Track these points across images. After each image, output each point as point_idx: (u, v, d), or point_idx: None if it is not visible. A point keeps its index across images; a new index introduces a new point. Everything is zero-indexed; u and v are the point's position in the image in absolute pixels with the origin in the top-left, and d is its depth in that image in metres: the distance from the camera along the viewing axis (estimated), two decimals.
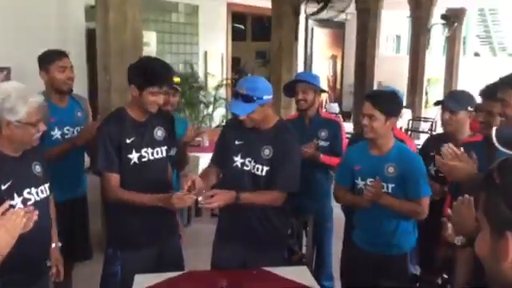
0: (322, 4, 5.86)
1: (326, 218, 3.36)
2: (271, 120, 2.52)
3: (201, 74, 8.72)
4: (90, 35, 6.25)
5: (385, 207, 2.50)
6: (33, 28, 5.74)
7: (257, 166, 2.49)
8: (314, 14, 5.99)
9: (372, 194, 2.44)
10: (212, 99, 8.57)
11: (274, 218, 2.57)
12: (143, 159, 2.52)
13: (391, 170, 2.53)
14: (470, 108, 2.75)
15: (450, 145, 2.14)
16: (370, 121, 2.50)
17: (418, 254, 2.76)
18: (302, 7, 6.04)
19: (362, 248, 2.68)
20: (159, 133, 2.59)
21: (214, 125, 8.41)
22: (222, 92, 8.99)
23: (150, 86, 2.41)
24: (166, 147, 2.61)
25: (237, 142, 2.54)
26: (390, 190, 2.53)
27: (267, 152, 2.47)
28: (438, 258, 2.67)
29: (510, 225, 0.89)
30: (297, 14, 6.02)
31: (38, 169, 2.17)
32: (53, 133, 2.88)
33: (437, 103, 2.89)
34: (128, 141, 2.47)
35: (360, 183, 2.60)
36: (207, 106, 8.46)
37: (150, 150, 2.54)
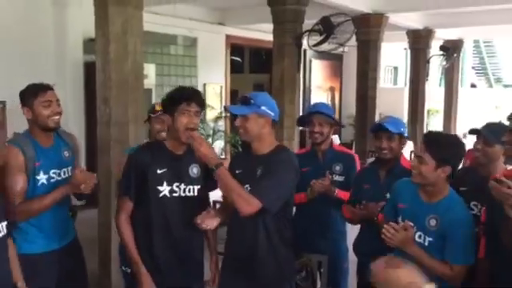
0: (324, 35, 5.77)
1: (342, 259, 3.15)
2: (269, 144, 2.42)
3: None
4: (88, 68, 6.16)
5: (412, 258, 2.22)
6: (29, 61, 5.63)
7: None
8: (316, 45, 5.89)
9: (395, 238, 2.19)
10: (211, 132, 8.44)
11: (279, 252, 2.40)
12: (174, 194, 2.41)
13: (433, 222, 2.26)
14: None
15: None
16: (418, 163, 2.27)
17: None
18: (305, 39, 5.95)
19: None
20: (195, 170, 2.46)
21: None
22: (221, 124, 8.88)
23: (178, 104, 2.34)
24: (199, 186, 2.47)
25: (237, 172, 2.44)
26: (426, 244, 2.27)
27: (259, 173, 2.35)
28: None
29: None
30: (299, 45, 5.93)
31: None
32: (38, 177, 2.61)
33: (473, 132, 2.71)
34: (159, 171, 2.38)
35: (401, 223, 2.34)
36: (206, 139, 8.32)
37: (182, 186, 2.43)
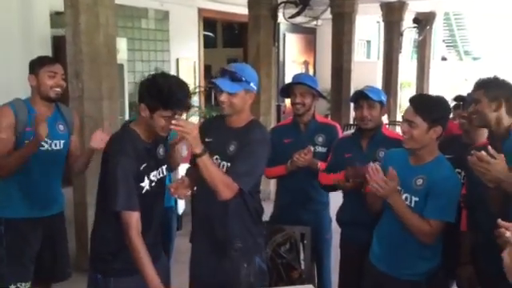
0: (300, 7, 5.69)
1: (325, 230, 3.13)
2: (245, 118, 2.37)
3: None
4: (57, 43, 5.93)
5: (392, 209, 2.23)
6: None
7: (222, 163, 2.33)
8: (292, 17, 5.81)
9: (383, 190, 2.17)
10: None
11: (242, 221, 2.36)
12: (153, 184, 2.27)
13: (419, 182, 2.24)
14: None
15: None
16: (409, 128, 2.22)
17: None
18: (280, 11, 5.86)
19: (374, 265, 2.43)
20: (161, 151, 2.34)
21: None
22: (195, 100, 8.75)
23: (163, 109, 2.10)
24: (166, 165, 2.38)
25: (207, 140, 2.35)
26: (412, 204, 2.24)
27: (232, 148, 2.31)
28: (459, 276, 2.49)
29: None
30: (274, 17, 5.84)
31: None
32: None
33: (457, 99, 2.70)
34: (141, 168, 2.20)
35: (388, 174, 2.27)
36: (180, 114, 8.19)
37: (154, 172, 2.29)
